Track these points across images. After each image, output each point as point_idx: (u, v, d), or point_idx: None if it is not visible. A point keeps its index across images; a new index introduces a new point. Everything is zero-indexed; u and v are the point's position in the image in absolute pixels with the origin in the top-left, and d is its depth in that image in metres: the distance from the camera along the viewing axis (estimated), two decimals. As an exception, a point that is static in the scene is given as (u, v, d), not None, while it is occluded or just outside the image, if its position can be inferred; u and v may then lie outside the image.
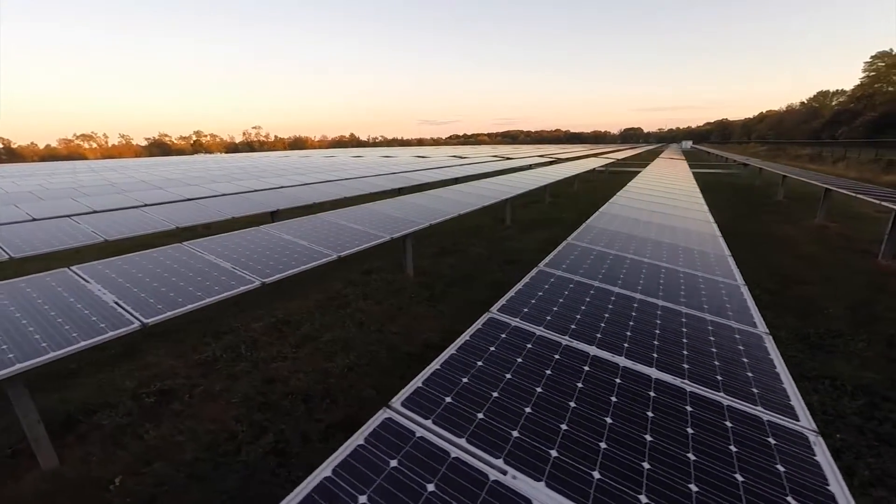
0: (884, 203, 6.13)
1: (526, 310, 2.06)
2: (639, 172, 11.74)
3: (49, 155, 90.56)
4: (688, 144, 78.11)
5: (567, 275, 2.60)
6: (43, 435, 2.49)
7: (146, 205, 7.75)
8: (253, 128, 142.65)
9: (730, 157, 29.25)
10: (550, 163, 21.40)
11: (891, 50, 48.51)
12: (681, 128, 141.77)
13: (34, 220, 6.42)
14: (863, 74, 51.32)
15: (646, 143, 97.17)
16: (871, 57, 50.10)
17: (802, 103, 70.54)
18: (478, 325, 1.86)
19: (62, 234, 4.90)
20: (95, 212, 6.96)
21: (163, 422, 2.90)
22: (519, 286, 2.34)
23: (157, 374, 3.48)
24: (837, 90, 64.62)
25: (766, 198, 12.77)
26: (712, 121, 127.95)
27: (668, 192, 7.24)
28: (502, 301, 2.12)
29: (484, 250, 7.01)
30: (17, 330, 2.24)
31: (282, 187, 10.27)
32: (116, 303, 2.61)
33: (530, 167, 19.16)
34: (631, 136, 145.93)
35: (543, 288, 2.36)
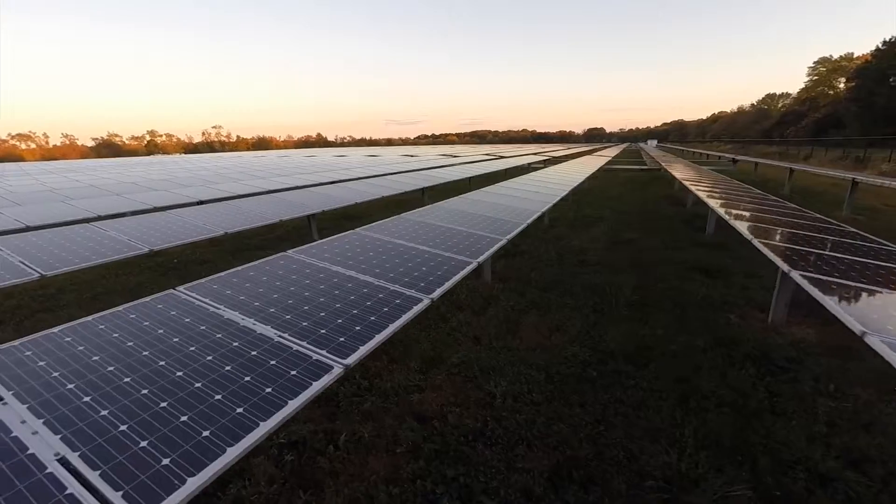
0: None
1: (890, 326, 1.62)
2: (631, 169, 11.69)
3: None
4: (653, 143, 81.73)
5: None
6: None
7: (157, 208, 6.71)
8: (213, 127, 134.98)
9: (712, 154, 30.50)
10: (546, 161, 21.39)
11: (831, 56, 53.00)
12: (640, 128, 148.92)
13: (28, 228, 5.32)
14: (807, 78, 55.82)
15: (609, 143, 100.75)
16: (814, 62, 54.57)
17: (753, 105, 75.82)
18: (884, 348, 1.40)
19: (92, 243, 3.95)
20: (102, 217, 5.90)
21: (322, 486, 2.23)
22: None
23: (270, 419, 2.75)
24: (783, 93, 70.05)
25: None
26: (669, 121, 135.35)
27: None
28: (851, 318, 1.67)
29: (548, 251, 6.56)
30: (181, 386, 1.53)
31: (296, 187, 9.36)
32: (281, 337, 1.92)
33: (530, 165, 19.02)
34: (595, 135, 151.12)
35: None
